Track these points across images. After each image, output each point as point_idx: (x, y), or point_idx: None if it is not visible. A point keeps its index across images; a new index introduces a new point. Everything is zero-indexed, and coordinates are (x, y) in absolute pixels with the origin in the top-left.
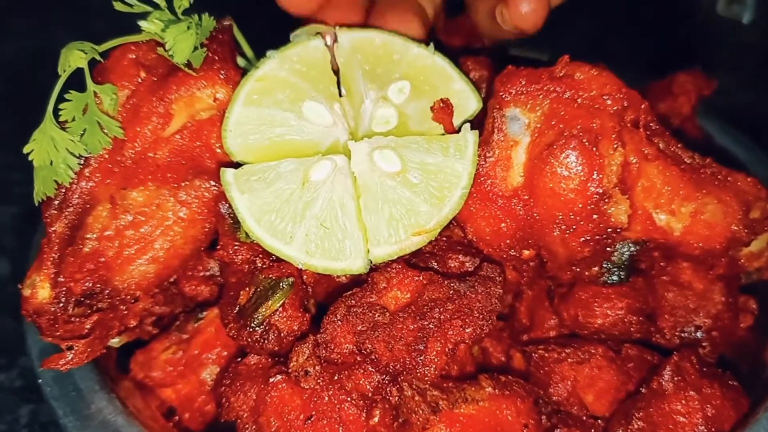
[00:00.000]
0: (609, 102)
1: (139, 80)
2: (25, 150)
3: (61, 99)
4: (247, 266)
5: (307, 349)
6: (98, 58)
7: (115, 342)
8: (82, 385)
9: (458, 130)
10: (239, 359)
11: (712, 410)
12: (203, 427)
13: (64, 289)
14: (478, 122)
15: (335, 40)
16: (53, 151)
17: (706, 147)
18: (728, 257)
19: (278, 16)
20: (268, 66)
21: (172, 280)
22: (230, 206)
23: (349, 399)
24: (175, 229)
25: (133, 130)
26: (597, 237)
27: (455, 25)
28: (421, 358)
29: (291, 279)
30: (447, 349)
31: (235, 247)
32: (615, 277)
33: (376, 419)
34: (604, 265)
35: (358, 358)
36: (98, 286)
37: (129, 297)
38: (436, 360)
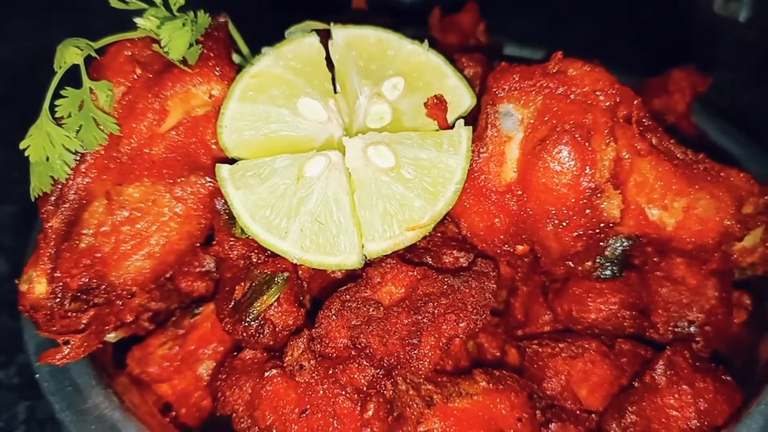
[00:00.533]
0: (601, 98)
1: (135, 77)
2: (22, 146)
3: (57, 95)
4: (242, 261)
5: (302, 343)
6: (94, 54)
7: (111, 337)
8: (79, 380)
9: (452, 126)
10: (235, 354)
11: (705, 404)
12: (200, 422)
13: (61, 284)
14: (471, 118)
15: (330, 37)
16: (49, 147)
17: (701, 143)
18: (721, 252)
19: (273, 13)
20: (263, 63)
21: (168, 275)
22: (225, 202)
23: (343, 393)
24: (171, 224)
25: (129, 126)
26: (590, 231)
27: (450, 23)
28: (415, 352)
29: (286, 274)
30: (441, 344)
31: (231, 243)
32: (608, 272)
33: (370, 413)
34: (597, 260)
35: (353, 353)
36: (94, 281)
37: (125, 292)
38: (430, 354)
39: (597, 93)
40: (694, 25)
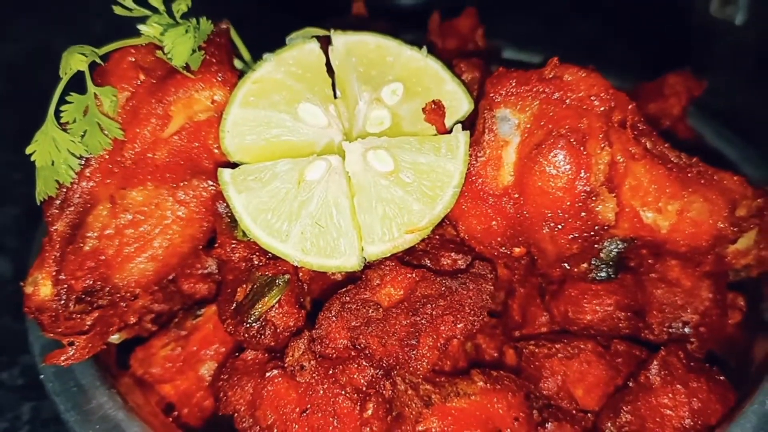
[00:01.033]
0: (596, 103)
1: (138, 82)
2: (28, 151)
3: (62, 101)
4: (244, 264)
5: (302, 344)
6: (98, 60)
7: (115, 338)
8: (83, 380)
9: (450, 131)
10: (236, 355)
11: (699, 404)
12: (202, 423)
13: (65, 286)
14: (469, 123)
15: (330, 43)
16: (55, 152)
17: (697, 146)
18: (715, 254)
19: (274, 19)
20: (265, 68)
21: (170, 278)
22: (227, 205)
23: (343, 393)
24: (174, 227)
25: (133, 131)
26: (585, 234)
27: (449, 28)
28: (414, 352)
29: (287, 276)
30: (439, 344)
31: (233, 246)
32: (603, 274)
33: (369, 412)
34: (593, 262)
35: (353, 353)
36: (99, 283)
37: (129, 294)
38: (428, 354)
39: (592, 98)
40: (691, 28)
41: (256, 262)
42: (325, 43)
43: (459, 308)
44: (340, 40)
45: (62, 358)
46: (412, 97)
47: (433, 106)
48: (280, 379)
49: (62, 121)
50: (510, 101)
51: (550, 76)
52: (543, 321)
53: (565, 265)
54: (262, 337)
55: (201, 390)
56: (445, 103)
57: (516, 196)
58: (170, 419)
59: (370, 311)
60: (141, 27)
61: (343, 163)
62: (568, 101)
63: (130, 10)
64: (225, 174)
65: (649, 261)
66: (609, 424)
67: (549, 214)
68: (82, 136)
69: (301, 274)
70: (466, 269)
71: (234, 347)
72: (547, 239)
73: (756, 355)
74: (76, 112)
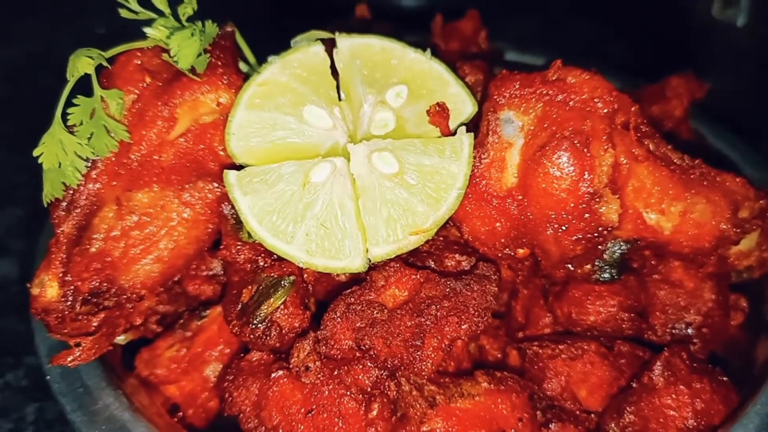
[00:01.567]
0: (600, 105)
1: (144, 85)
2: (35, 153)
3: (68, 104)
4: (249, 265)
5: (307, 345)
6: (104, 63)
7: (120, 339)
8: (89, 381)
9: (454, 133)
10: (242, 355)
11: (702, 404)
12: (207, 423)
13: (72, 287)
14: (473, 125)
15: (335, 46)
16: (62, 154)
17: (699, 149)
18: (718, 256)
19: (279, 22)
20: (270, 71)
21: (176, 279)
22: (233, 207)
23: (348, 393)
24: (179, 229)
25: (139, 133)
26: (589, 235)
27: (452, 30)
28: (419, 353)
29: (292, 277)
30: (443, 345)
31: (238, 247)
32: (606, 275)
33: (374, 413)
34: (596, 263)
35: (357, 354)
36: (105, 285)
37: (134, 296)
38: (432, 355)
39: (595, 100)
40: (692, 30)
41: (261, 264)
42: (329, 45)
43: (463, 309)
44: (345, 42)
45: (69, 359)
46: (416, 99)
47: (437, 108)
48: (285, 379)
49: (69, 123)
50: (514, 103)
51: (554, 78)
52: (546, 322)
53: (569, 266)
54: (268, 338)
55: (206, 391)
56: (449, 105)
57: (520, 197)
58: (175, 420)
59: (375, 312)
60: (147, 30)
61: (347, 165)
62: (571, 103)
63: (136, 13)
64: (230, 176)
65: (652, 262)
66: (612, 425)
67: (553, 216)
68: (89, 139)
69: (306, 275)
70: (470, 270)
71: (239, 348)
72: (551, 240)
73: (758, 356)
74: (83, 114)
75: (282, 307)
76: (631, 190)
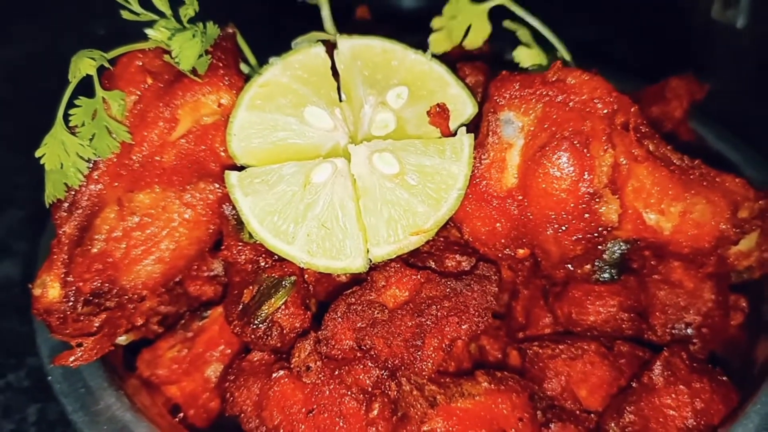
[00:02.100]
0: (599, 105)
1: (146, 86)
2: (37, 154)
3: (70, 105)
4: (250, 266)
5: (308, 345)
6: (107, 65)
7: (122, 340)
8: (91, 382)
9: (454, 134)
10: (243, 356)
11: (701, 404)
12: (208, 424)
13: (74, 288)
14: (473, 126)
15: (335, 47)
16: (64, 155)
17: (699, 149)
18: (717, 256)
19: (280, 23)
20: (271, 72)
21: (177, 280)
22: (234, 208)
23: (349, 393)
24: (181, 230)
25: (141, 134)
26: (588, 235)
27: None
28: (419, 353)
29: (293, 278)
30: (444, 345)
31: (239, 248)
32: (606, 275)
33: (375, 413)
34: (596, 264)
35: (358, 354)
36: (106, 285)
37: (136, 296)
38: (433, 355)
39: (595, 101)
40: (692, 31)
41: (262, 264)
42: (330, 47)
43: (464, 309)
44: (346, 44)
45: (71, 360)
46: (416, 100)
47: (437, 109)
48: (286, 379)
49: (71, 124)
50: (514, 104)
51: (554, 79)
52: (546, 322)
53: (569, 266)
54: (269, 338)
55: (207, 391)
56: (450, 106)
57: (520, 198)
58: (177, 420)
59: (376, 312)
60: (149, 31)
61: (348, 165)
62: (571, 104)
63: (137, 14)
64: (232, 177)
65: (652, 262)
66: (612, 425)
67: (553, 216)
68: (91, 140)
69: (306, 275)
70: (470, 271)
71: (240, 349)
72: (551, 241)
73: (758, 356)
74: (85, 115)
75: (283, 307)
76: (631, 191)
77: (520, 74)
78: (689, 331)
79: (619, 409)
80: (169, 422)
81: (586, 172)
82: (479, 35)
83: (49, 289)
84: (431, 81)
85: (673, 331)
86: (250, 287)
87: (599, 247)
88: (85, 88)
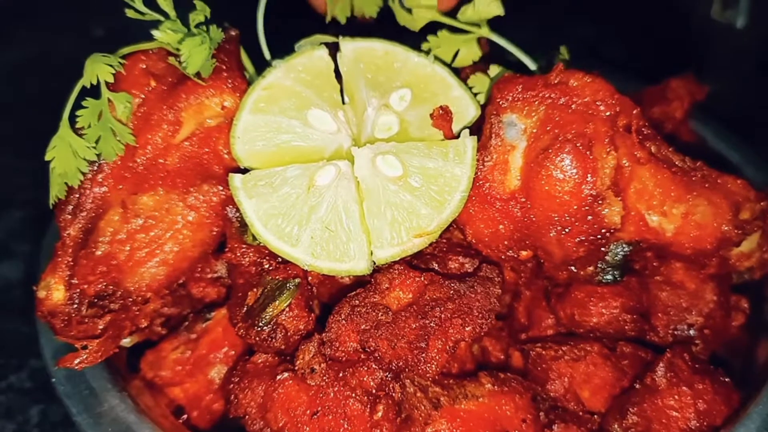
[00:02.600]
0: (602, 108)
1: (150, 89)
2: (47, 158)
3: (76, 106)
4: (254, 268)
5: (313, 347)
6: (119, 69)
7: (126, 342)
8: (95, 383)
9: (457, 136)
10: (247, 357)
11: (704, 405)
12: (211, 425)
13: (78, 290)
14: (476, 128)
15: (338, 50)
16: (71, 157)
17: (700, 150)
18: (719, 257)
19: (283, 26)
20: (274, 75)
21: (181, 282)
22: (238, 210)
23: (353, 395)
24: (184, 232)
25: (144, 137)
26: (591, 237)
27: None
28: (423, 355)
29: (297, 280)
30: (447, 347)
31: (243, 250)
32: (609, 277)
33: (379, 414)
34: (599, 265)
35: (362, 356)
36: (110, 287)
37: (140, 298)
38: (437, 357)
39: (597, 103)
40: (691, 32)
41: (266, 266)
42: (333, 49)
43: (467, 311)
44: (349, 46)
45: (75, 362)
46: (419, 102)
47: (440, 111)
48: (290, 381)
49: (78, 125)
50: (516, 106)
51: (556, 81)
52: (549, 323)
53: (572, 268)
54: (273, 340)
55: (210, 393)
56: (453, 108)
57: (523, 200)
58: (180, 422)
59: (380, 314)
60: (154, 32)
61: (352, 168)
62: (573, 106)
63: (142, 14)
64: (235, 179)
65: (654, 264)
66: (615, 426)
67: (556, 218)
68: (96, 142)
69: (310, 277)
70: (473, 273)
71: (244, 350)
72: (554, 242)
73: (759, 357)
74: (91, 117)
75: (287, 309)
76: (633, 192)
77: (523, 76)
78: (691, 332)
79: (622, 410)
80: (172, 424)
81: (588, 175)
82: (469, 57)
83: (54, 292)
84: (434, 83)
85: (676, 332)
86: (254, 289)
87: (602, 248)
88: (86, 89)
